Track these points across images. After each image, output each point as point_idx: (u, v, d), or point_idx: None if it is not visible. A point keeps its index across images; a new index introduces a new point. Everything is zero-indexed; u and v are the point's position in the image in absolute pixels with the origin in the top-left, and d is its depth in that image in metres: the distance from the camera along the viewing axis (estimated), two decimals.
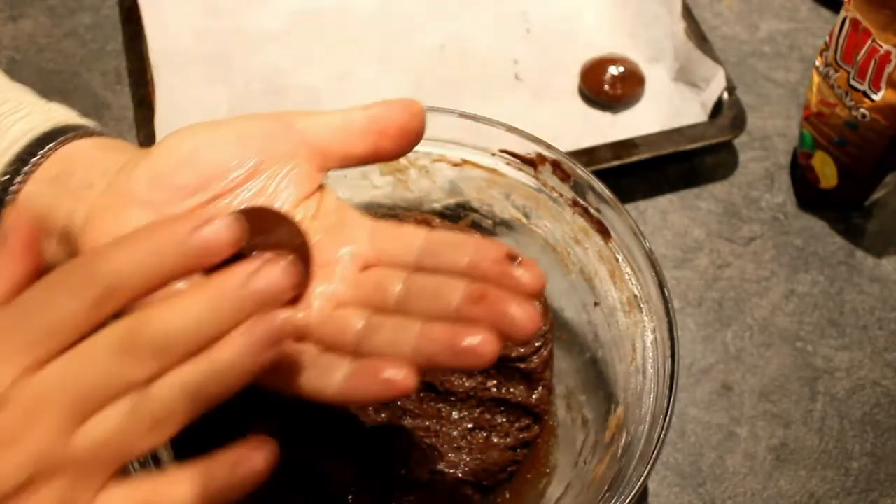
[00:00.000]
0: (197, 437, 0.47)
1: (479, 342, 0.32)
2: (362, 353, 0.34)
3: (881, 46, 0.54)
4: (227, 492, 0.31)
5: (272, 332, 0.30)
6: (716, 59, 0.66)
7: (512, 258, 0.35)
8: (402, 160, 0.51)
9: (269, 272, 0.31)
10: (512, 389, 0.50)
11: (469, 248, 0.35)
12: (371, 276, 0.37)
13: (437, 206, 0.54)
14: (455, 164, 0.51)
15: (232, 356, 0.30)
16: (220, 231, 0.31)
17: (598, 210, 0.48)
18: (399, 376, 0.32)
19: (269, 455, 0.32)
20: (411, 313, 0.35)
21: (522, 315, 0.33)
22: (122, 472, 0.31)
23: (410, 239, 0.37)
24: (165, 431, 0.31)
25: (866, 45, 0.55)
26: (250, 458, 0.32)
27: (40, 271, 0.32)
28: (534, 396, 0.50)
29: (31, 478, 0.29)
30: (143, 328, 0.30)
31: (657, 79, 0.69)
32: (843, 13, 0.56)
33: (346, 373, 0.34)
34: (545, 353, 0.50)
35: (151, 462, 0.41)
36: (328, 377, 0.34)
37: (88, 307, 0.30)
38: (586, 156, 0.61)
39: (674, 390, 0.42)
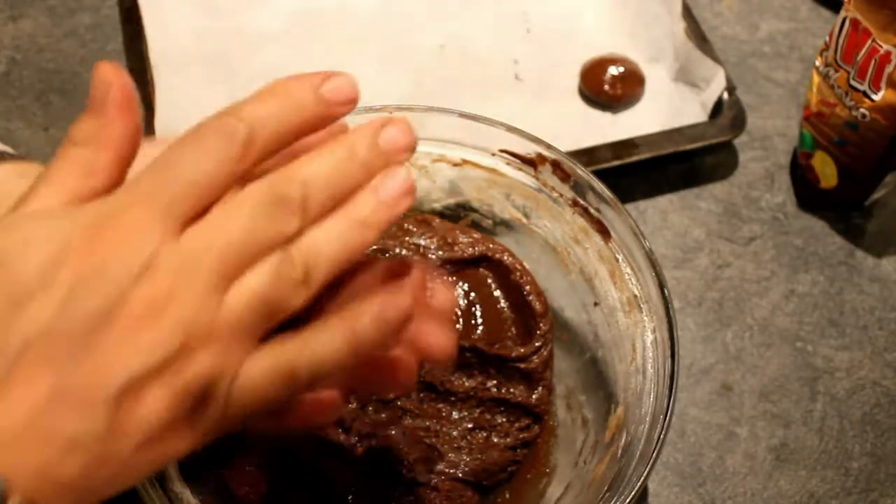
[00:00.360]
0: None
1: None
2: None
3: (881, 46, 0.54)
4: (374, 336, 0.31)
5: (406, 183, 0.32)
6: (716, 59, 0.66)
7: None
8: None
9: (394, 126, 0.32)
10: (512, 389, 0.50)
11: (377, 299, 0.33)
12: None
13: (437, 205, 0.54)
14: (455, 164, 0.51)
15: (371, 207, 0.31)
16: (346, 82, 0.32)
17: (598, 210, 0.48)
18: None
19: (410, 297, 0.32)
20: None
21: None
22: None
23: None
24: (313, 286, 0.30)
25: (866, 45, 0.55)
26: (395, 300, 0.32)
27: (139, 130, 0.31)
28: (534, 396, 0.50)
29: (184, 345, 0.28)
30: (287, 182, 0.30)
31: (657, 79, 0.69)
32: (843, 13, 0.56)
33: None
34: (545, 353, 0.50)
35: None
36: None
37: (227, 162, 0.29)
38: (586, 156, 0.61)
39: (674, 390, 0.42)
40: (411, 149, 0.32)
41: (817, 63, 0.60)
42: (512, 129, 0.49)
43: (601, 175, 0.48)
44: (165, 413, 0.28)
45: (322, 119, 0.32)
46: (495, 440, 0.49)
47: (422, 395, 0.50)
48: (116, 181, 0.30)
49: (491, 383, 0.50)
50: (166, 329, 0.28)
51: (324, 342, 0.31)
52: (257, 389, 0.30)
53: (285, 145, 0.31)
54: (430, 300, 0.35)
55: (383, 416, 0.48)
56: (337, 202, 0.31)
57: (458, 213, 0.54)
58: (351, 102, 0.32)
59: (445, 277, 0.34)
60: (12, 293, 0.27)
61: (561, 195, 0.49)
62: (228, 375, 0.29)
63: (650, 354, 0.45)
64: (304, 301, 0.30)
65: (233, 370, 0.29)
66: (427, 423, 0.49)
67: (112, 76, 0.30)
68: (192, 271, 0.28)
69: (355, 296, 0.32)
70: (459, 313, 0.52)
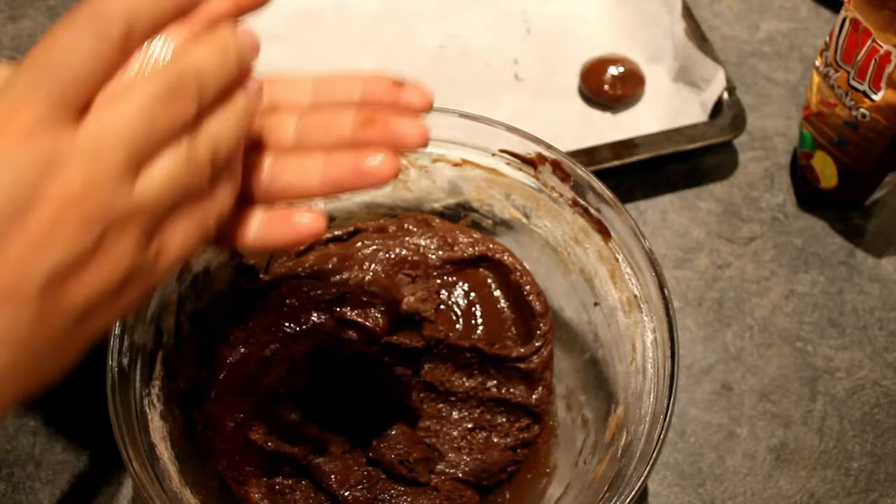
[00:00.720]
0: (197, 438, 0.47)
1: (379, 161, 0.35)
2: (272, 193, 0.36)
3: (881, 46, 0.54)
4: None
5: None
6: (716, 59, 0.66)
7: (398, 84, 0.37)
8: (402, 160, 0.51)
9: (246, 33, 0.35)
10: (512, 389, 0.50)
11: (359, 82, 0.38)
12: (265, 121, 0.38)
13: (437, 205, 0.54)
14: (455, 164, 0.51)
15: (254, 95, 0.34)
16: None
17: (598, 210, 0.48)
18: (306, 219, 0.36)
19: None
20: (309, 148, 0.37)
21: (410, 128, 0.35)
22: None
23: (301, 84, 0.40)
24: (217, 167, 0.33)
25: (866, 45, 0.55)
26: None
27: None
28: (534, 396, 0.50)
29: (103, 233, 0.29)
30: (185, 70, 0.31)
31: (657, 79, 0.69)
32: (843, 13, 0.56)
33: (260, 222, 0.36)
34: (545, 353, 0.50)
35: (149, 462, 0.41)
36: (245, 227, 0.36)
37: (111, 50, 0.29)
38: (586, 156, 0.61)
39: (674, 390, 0.42)
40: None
41: (817, 63, 0.60)
42: (512, 129, 0.49)
43: (601, 175, 0.48)
44: (91, 301, 0.29)
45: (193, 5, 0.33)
46: (495, 440, 0.49)
47: (422, 395, 0.50)
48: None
49: (491, 383, 0.50)
50: (84, 219, 0.28)
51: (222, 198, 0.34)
52: (179, 253, 0.32)
53: (167, 24, 0.31)
54: (407, 101, 0.37)
55: (384, 415, 0.48)
56: (226, 87, 0.33)
57: (458, 213, 0.54)
58: None
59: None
60: None
61: (561, 195, 0.49)
62: (151, 254, 0.31)
63: (650, 354, 0.45)
64: (209, 180, 0.32)
65: (153, 249, 0.31)
66: (427, 423, 0.49)
67: None
68: (101, 159, 0.28)
69: None
70: (460, 313, 0.52)
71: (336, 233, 0.52)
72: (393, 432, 0.48)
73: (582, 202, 0.49)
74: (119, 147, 0.29)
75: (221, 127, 0.33)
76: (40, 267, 0.28)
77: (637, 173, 0.64)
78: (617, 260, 0.48)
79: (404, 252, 0.51)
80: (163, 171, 0.30)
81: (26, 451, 0.52)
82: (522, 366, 0.50)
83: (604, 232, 0.48)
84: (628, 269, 0.47)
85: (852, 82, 0.57)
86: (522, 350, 0.50)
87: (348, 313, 0.48)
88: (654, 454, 0.41)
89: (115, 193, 0.29)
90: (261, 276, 0.51)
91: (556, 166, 0.49)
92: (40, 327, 0.28)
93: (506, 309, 0.52)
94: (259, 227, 0.36)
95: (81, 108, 0.29)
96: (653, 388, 0.44)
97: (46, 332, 0.29)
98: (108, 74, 0.30)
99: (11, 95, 0.28)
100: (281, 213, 0.36)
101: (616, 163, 0.61)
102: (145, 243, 0.31)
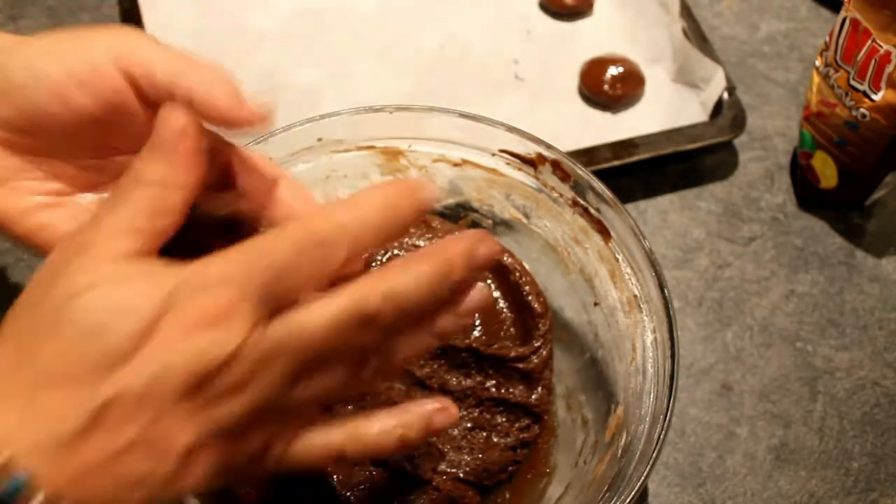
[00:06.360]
0: None
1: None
2: None
3: (881, 46, 0.54)
4: (418, 439, 0.34)
5: (485, 299, 0.34)
6: (716, 59, 0.66)
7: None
8: (403, 160, 0.51)
9: (486, 244, 0.33)
10: (512, 389, 0.50)
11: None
12: None
13: (437, 206, 0.54)
14: (455, 164, 0.51)
15: (450, 324, 0.33)
16: (434, 191, 0.33)
17: (598, 210, 0.48)
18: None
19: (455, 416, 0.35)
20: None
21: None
22: None
23: None
24: (374, 387, 0.35)
25: (866, 45, 0.55)
26: (447, 412, 0.35)
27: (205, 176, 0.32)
28: (534, 396, 0.50)
29: (249, 422, 0.31)
30: (377, 298, 0.31)
31: (657, 79, 0.69)
32: (843, 13, 0.56)
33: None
34: (545, 353, 0.50)
35: None
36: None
37: (324, 270, 0.30)
38: (586, 156, 0.61)
39: (674, 390, 0.42)
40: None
41: (817, 63, 0.60)
42: (512, 129, 0.49)
43: (601, 175, 0.48)
44: (219, 471, 0.31)
45: (412, 224, 0.35)
46: (495, 440, 0.49)
47: (421, 394, 0.50)
48: (179, 224, 0.32)
49: (490, 383, 0.50)
50: (237, 407, 0.30)
51: (374, 434, 0.34)
52: (303, 462, 0.33)
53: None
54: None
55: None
56: (420, 318, 0.33)
57: (458, 213, 0.54)
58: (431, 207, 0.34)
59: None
60: (103, 355, 0.29)
61: (561, 195, 0.49)
62: (281, 450, 0.32)
63: (650, 354, 0.45)
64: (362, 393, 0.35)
65: (286, 445, 0.32)
66: None
67: (185, 122, 0.31)
68: (273, 363, 0.30)
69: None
70: None
71: None
72: None
73: (582, 202, 0.49)
74: (292, 359, 0.30)
75: (403, 347, 0.33)
76: (193, 433, 0.30)
77: (637, 173, 0.64)
78: (617, 260, 0.48)
79: (404, 253, 0.51)
80: (317, 389, 0.32)
81: None
82: (522, 366, 0.50)
83: (604, 232, 0.48)
84: (628, 269, 0.47)
85: (852, 82, 0.57)
86: (522, 350, 0.50)
87: None
88: (654, 454, 0.41)
89: (277, 394, 0.31)
90: None
91: (556, 166, 0.49)
92: (172, 483, 0.30)
93: (505, 309, 0.52)
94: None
95: (276, 313, 0.30)
96: (653, 388, 0.44)
97: (172, 488, 0.30)
98: (314, 288, 0.31)
99: (220, 274, 0.30)
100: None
101: (616, 163, 0.61)
102: (279, 440, 0.32)
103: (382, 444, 0.34)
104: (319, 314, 0.30)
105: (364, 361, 0.32)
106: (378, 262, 0.51)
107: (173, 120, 0.31)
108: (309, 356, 0.30)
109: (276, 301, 0.30)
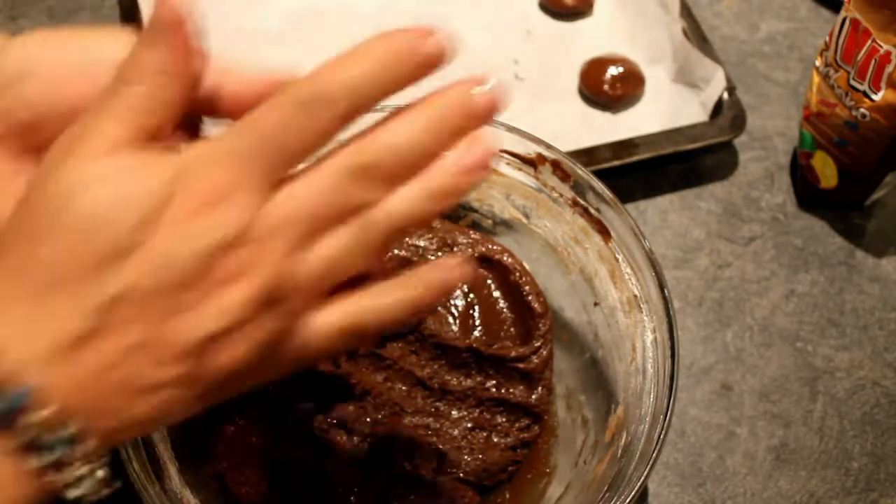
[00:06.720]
0: (197, 439, 0.47)
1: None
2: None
3: (881, 46, 0.54)
4: (432, 300, 0.33)
5: (488, 153, 0.32)
6: (716, 59, 0.66)
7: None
8: None
9: (487, 90, 0.33)
10: (512, 389, 0.50)
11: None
12: None
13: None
14: None
15: (451, 178, 0.31)
16: (445, 41, 0.33)
17: (598, 210, 0.48)
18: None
19: (468, 273, 0.34)
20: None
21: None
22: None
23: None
24: (384, 251, 0.33)
25: (866, 45, 0.55)
26: (462, 267, 0.34)
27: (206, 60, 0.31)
28: (534, 396, 0.50)
29: (264, 304, 0.29)
30: (372, 152, 0.30)
31: (657, 79, 0.69)
32: (843, 13, 0.56)
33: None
34: (545, 353, 0.50)
35: (149, 462, 0.41)
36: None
37: (326, 129, 0.30)
38: (586, 156, 0.61)
39: (674, 390, 0.42)
40: (499, 110, 0.33)
41: (817, 63, 0.60)
42: (512, 129, 0.49)
43: (601, 175, 0.48)
44: (238, 365, 0.30)
45: (419, 78, 0.32)
46: (495, 440, 0.49)
47: (422, 394, 0.50)
48: (177, 121, 0.31)
49: (490, 383, 0.50)
50: (249, 290, 0.29)
51: (389, 302, 0.32)
52: (324, 342, 0.32)
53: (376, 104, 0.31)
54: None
55: (384, 415, 0.48)
56: (421, 166, 0.31)
57: (458, 213, 0.54)
58: (448, 59, 0.33)
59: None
60: (106, 250, 0.28)
61: (561, 195, 0.49)
62: (301, 329, 0.31)
63: (650, 354, 0.45)
64: (370, 265, 0.32)
65: (304, 324, 0.31)
66: (427, 422, 0.49)
67: (187, 4, 0.30)
68: (279, 237, 0.29)
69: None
70: (457, 314, 0.52)
71: None
72: (395, 431, 0.48)
73: (582, 202, 0.49)
74: (297, 226, 0.29)
75: (408, 207, 0.31)
76: (202, 328, 0.29)
77: (637, 173, 0.64)
78: (617, 260, 0.48)
79: (403, 253, 0.51)
80: (324, 261, 0.30)
81: None
82: (522, 366, 0.50)
83: (604, 232, 0.48)
84: (628, 269, 0.47)
85: (852, 82, 0.57)
86: (522, 350, 0.50)
87: None
88: (654, 454, 0.41)
89: (284, 269, 0.29)
90: None
91: (556, 166, 0.49)
92: (185, 386, 0.29)
93: (505, 309, 0.52)
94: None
95: (280, 182, 0.29)
96: (653, 388, 0.44)
97: (187, 392, 0.29)
98: (313, 152, 0.30)
99: (220, 154, 0.29)
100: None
101: (616, 163, 0.61)
102: (297, 319, 0.31)
103: (398, 309, 0.32)
104: (320, 177, 0.30)
105: (366, 226, 0.31)
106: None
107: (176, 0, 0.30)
108: (314, 220, 0.30)
109: (282, 167, 0.29)
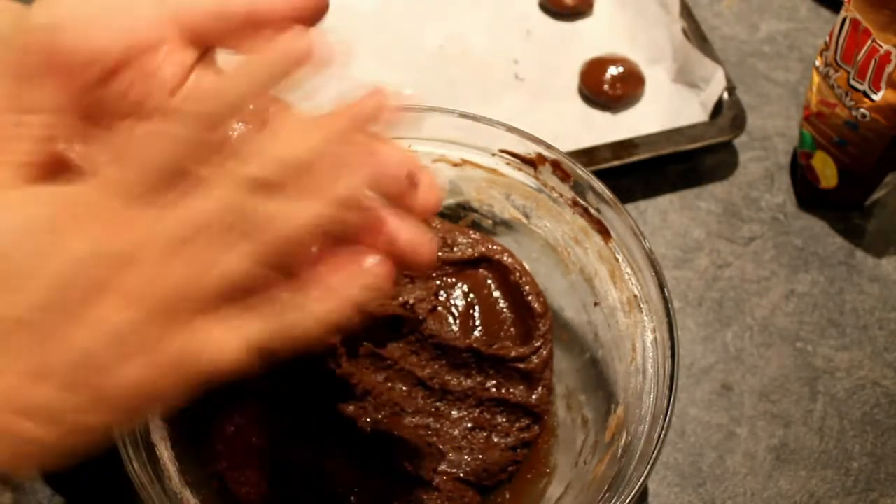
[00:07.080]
0: (197, 440, 0.47)
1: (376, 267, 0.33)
2: None
3: (881, 46, 0.54)
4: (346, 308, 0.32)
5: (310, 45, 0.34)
6: (716, 59, 0.66)
7: (413, 182, 0.34)
8: None
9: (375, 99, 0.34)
10: (512, 389, 0.50)
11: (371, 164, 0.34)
12: None
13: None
14: (455, 164, 0.51)
15: (349, 187, 0.31)
16: (310, 41, 0.33)
17: (598, 210, 0.48)
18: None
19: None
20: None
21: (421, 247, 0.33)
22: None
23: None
24: (273, 262, 0.31)
25: (866, 45, 0.55)
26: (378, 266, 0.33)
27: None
28: (534, 396, 0.50)
29: (162, 325, 0.29)
30: (264, 162, 0.30)
31: (657, 79, 0.69)
32: (843, 13, 0.56)
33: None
34: (545, 353, 0.50)
35: (149, 462, 0.41)
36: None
37: (194, 148, 0.30)
38: (586, 156, 0.61)
39: (674, 390, 0.42)
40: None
41: (817, 63, 0.60)
42: (512, 129, 0.49)
43: (601, 175, 0.48)
44: (139, 388, 0.29)
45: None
46: (495, 440, 0.49)
47: (422, 394, 0.50)
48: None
49: (491, 383, 0.50)
50: (143, 312, 0.29)
51: (298, 317, 0.31)
52: (231, 361, 0.30)
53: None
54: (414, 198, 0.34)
55: (384, 415, 0.48)
56: (312, 180, 0.31)
57: (458, 213, 0.54)
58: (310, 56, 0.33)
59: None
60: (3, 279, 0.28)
61: (561, 195, 0.49)
62: (206, 346, 0.30)
63: (650, 354, 0.45)
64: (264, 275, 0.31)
65: (207, 340, 0.30)
66: (427, 422, 0.49)
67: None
68: (169, 257, 0.29)
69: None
70: (457, 314, 0.52)
71: None
72: (395, 431, 0.48)
73: (582, 202, 0.49)
74: (186, 245, 0.29)
75: (297, 218, 0.30)
76: (97, 349, 0.28)
77: (637, 173, 0.64)
78: (617, 260, 0.48)
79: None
80: (221, 273, 0.30)
81: None
82: (522, 366, 0.50)
83: (604, 232, 0.48)
84: (628, 269, 0.47)
85: (852, 82, 0.57)
86: (522, 350, 0.50)
87: None
88: (654, 454, 0.41)
89: (178, 286, 0.29)
90: None
91: (556, 166, 0.49)
92: (87, 411, 0.29)
93: (505, 309, 0.52)
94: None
95: (163, 197, 0.30)
96: (653, 388, 0.44)
97: (90, 418, 0.29)
98: (193, 162, 0.30)
99: (97, 186, 0.29)
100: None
101: (616, 163, 0.61)
102: (190, 338, 0.30)
103: (311, 326, 0.31)
104: (210, 192, 0.29)
105: (258, 245, 0.30)
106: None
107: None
108: (207, 236, 0.29)
109: (161, 192, 0.29)
